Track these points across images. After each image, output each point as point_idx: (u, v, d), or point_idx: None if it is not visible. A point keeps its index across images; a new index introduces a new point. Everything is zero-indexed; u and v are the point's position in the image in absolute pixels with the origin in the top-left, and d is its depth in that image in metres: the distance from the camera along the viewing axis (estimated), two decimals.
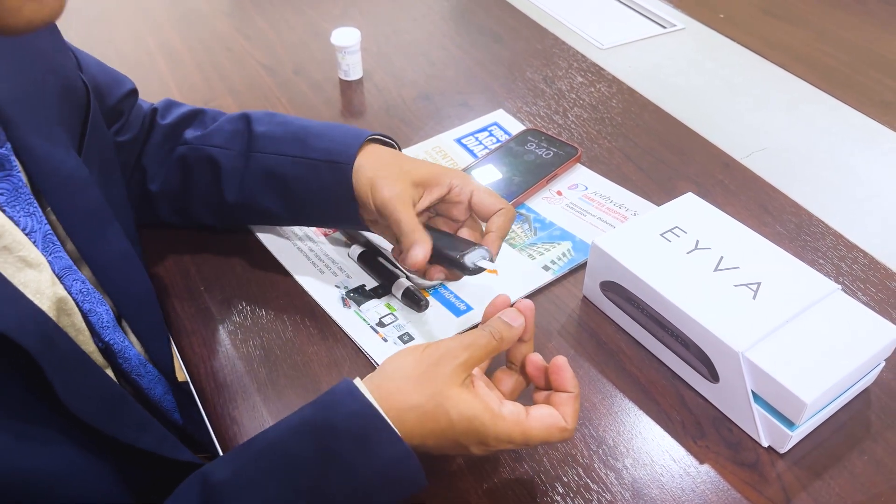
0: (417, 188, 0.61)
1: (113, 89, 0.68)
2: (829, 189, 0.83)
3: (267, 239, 0.75)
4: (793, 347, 0.56)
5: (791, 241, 0.75)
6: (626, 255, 0.64)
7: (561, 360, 0.51)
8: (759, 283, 0.61)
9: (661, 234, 0.66)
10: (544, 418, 0.49)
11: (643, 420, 0.59)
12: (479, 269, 0.58)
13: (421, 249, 0.57)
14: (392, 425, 0.46)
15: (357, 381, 0.49)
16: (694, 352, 0.60)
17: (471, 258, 0.58)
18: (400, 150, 0.68)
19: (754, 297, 0.60)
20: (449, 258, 0.59)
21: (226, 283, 0.71)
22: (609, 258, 0.64)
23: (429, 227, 0.62)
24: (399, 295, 0.68)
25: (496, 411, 0.48)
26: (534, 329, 0.54)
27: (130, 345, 0.57)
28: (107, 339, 0.55)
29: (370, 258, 0.71)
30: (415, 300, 0.67)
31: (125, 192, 0.66)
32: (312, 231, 0.76)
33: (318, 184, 0.63)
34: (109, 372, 0.55)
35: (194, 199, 0.69)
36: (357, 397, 0.47)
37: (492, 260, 0.59)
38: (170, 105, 0.72)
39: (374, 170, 0.61)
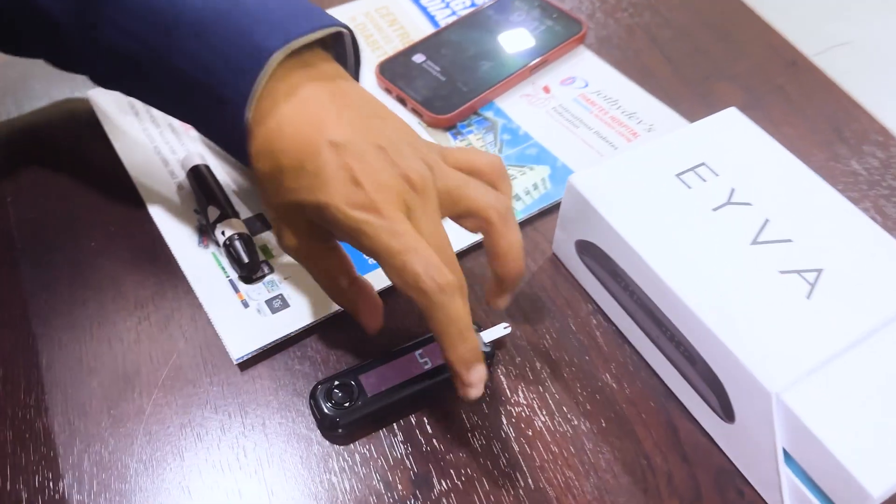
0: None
1: None
2: None
3: (115, 133, 0.52)
4: (859, 393, 0.35)
5: (870, 188, 0.52)
6: (616, 204, 0.41)
7: None
8: (819, 271, 0.38)
9: (678, 175, 0.43)
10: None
11: (610, 466, 0.39)
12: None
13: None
14: None
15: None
16: (702, 372, 0.39)
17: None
18: (357, 58, 0.42)
19: (809, 295, 0.38)
20: None
21: (38, 195, 0.50)
22: (588, 207, 0.42)
23: None
24: (221, 243, 0.45)
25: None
26: None
27: None
28: None
29: (206, 174, 0.48)
30: (243, 262, 0.44)
31: None
32: (181, 126, 0.53)
33: (185, 105, 0.40)
34: None
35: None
36: None
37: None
38: None
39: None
